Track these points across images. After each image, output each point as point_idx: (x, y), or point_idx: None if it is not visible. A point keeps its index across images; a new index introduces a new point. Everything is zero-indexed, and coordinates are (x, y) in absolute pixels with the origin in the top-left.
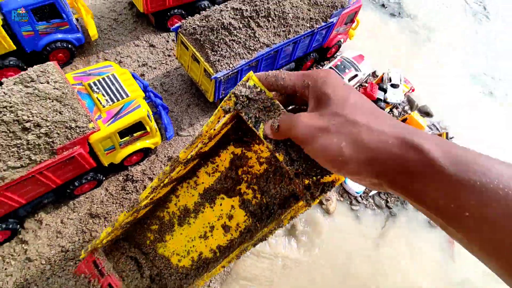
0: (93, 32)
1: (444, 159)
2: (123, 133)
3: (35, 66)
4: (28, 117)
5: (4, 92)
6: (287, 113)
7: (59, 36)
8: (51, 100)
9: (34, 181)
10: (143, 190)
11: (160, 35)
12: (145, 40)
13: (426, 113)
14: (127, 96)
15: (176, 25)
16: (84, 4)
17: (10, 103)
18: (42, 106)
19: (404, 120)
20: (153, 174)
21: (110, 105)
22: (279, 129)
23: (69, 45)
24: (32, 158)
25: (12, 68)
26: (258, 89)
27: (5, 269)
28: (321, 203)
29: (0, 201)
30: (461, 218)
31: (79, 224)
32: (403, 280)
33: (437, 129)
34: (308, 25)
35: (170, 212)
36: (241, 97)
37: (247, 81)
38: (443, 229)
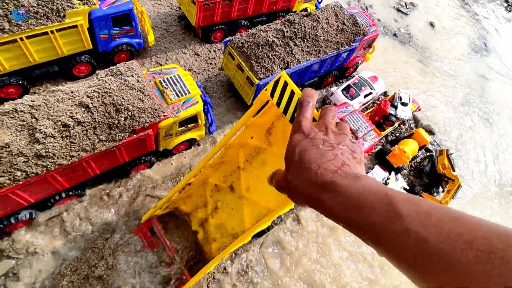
0: (151, 39)
1: (335, 206)
2: (181, 123)
3: (121, 63)
4: (121, 101)
5: (105, 80)
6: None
7: (125, 40)
8: (136, 90)
9: (112, 155)
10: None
11: (204, 46)
12: (191, 49)
13: (429, 131)
14: (189, 93)
15: (227, 38)
16: (147, 15)
17: (109, 89)
18: (130, 94)
19: (411, 135)
20: (196, 161)
21: (175, 99)
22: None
23: (131, 48)
24: (119, 135)
25: (84, 64)
26: (288, 86)
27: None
28: None
29: (84, 169)
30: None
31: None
32: None
33: (438, 145)
34: (334, 47)
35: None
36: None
37: (279, 78)
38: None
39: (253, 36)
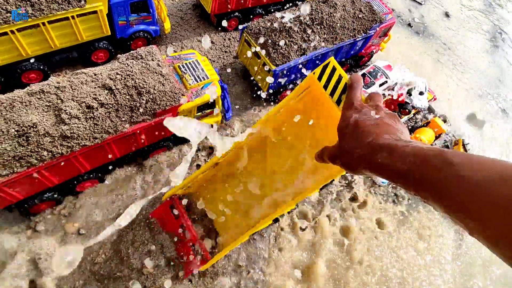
0: (167, 26)
1: (396, 162)
2: (199, 108)
3: (142, 48)
4: (143, 84)
5: (127, 64)
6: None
7: (142, 27)
8: (157, 74)
9: (133, 138)
10: (204, 161)
11: (219, 34)
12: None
13: (444, 121)
14: (208, 78)
15: (244, 25)
16: (163, 3)
17: (132, 72)
18: (151, 78)
19: (427, 124)
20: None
21: (194, 84)
22: (318, 155)
23: (148, 35)
24: (140, 118)
25: (102, 50)
26: (336, 70)
27: (113, 202)
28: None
29: (106, 151)
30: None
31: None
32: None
33: (453, 135)
34: (351, 34)
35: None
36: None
37: (328, 64)
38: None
39: (270, 22)
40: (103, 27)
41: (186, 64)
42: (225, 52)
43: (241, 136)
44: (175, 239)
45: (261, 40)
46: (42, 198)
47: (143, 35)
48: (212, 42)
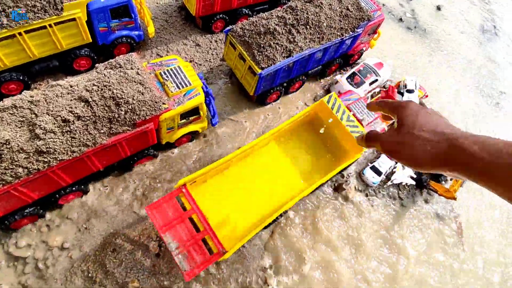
0: (151, 30)
1: (480, 151)
2: (182, 116)
3: (120, 56)
4: (121, 95)
5: (104, 74)
6: (371, 130)
7: (125, 32)
8: (136, 83)
9: (114, 149)
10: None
11: (205, 36)
12: (192, 40)
13: None
14: (190, 84)
15: (228, 28)
16: (146, 6)
17: (109, 82)
18: (130, 87)
19: None
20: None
21: (176, 91)
22: (365, 140)
23: (131, 41)
24: (119, 129)
25: (84, 58)
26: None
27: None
28: (342, 189)
29: (86, 164)
30: (495, 176)
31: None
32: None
33: None
34: (338, 33)
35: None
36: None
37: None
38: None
39: (254, 25)
40: (83, 34)
41: (167, 70)
42: (212, 54)
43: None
44: (172, 237)
45: (246, 42)
46: (23, 214)
47: (126, 41)
48: (198, 44)
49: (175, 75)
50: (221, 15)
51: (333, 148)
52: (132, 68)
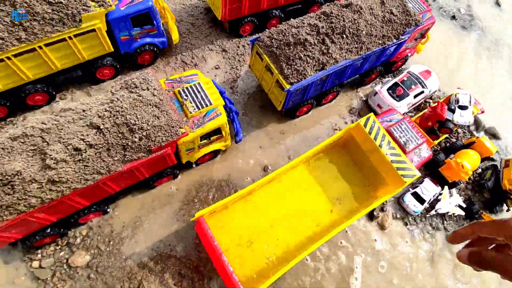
0: (175, 36)
1: None
2: (203, 136)
3: (136, 74)
4: (135, 121)
5: (117, 98)
6: (480, 254)
7: (148, 40)
8: (151, 106)
9: (130, 174)
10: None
11: (232, 41)
12: (218, 45)
13: (493, 135)
14: (211, 104)
15: (254, 37)
16: (170, 10)
17: (122, 108)
18: (145, 111)
19: (471, 144)
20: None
21: (196, 111)
22: (476, 265)
23: (155, 48)
24: (134, 156)
25: (107, 67)
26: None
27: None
28: (375, 217)
29: (102, 189)
30: None
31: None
32: None
33: (505, 153)
34: (380, 42)
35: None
36: None
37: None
38: None
39: (283, 34)
40: (104, 44)
41: (187, 88)
42: (239, 61)
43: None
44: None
45: (274, 53)
46: (44, 234)
47: (149, 48)
48: (224, 50)
49: (195, 94)
50: (249, 18)
51: (369, 176)
52: (148, 89)
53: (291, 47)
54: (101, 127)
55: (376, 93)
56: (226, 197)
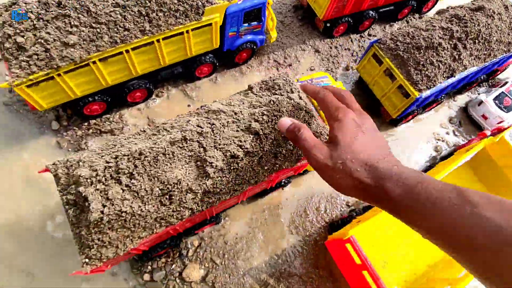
0: (274, 34)
1: (402, 197)
2: None
3: (275, 75)
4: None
5: (273, 100)
6: (311, 139)
7: (250, 37)
8: (301, 111)
9: (266, 183)
10: None
11: (324, 41)
12: (310, 45)
13: None
14: None
15: (375, 38)
16: (271, 8)
17: (279, 111)
18: (297, 116)
19: None
20: None
21: None
22: (287, 133)
23: (254, 46)
24: (283, 165)
25: (207, 64)
26: None
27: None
28: None
29: (232, 200)
30: (403, 214)
31: None
32: None
33: None
34: (505, 49)
35: None
36: None
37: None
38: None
39: (410, 36)
40: (214, 40)
41: None
42: (333, 63)
43: None
44: None
45: (400, 57)
46: (164, 246)
47: (249, 46)
48: (317, 51)
49: None
50: (346, 19)
51: (501, 193)
52: (292, 91)
53: (422, 51)
54: (260, 132)
55: (480, 102)
56: (337, 209)
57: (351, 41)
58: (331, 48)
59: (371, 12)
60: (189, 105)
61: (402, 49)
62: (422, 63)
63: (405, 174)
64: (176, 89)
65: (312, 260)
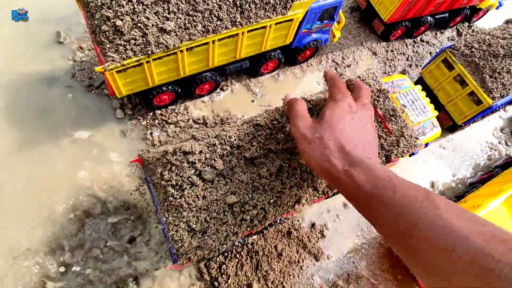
0: (338, 34)
1: (366, 183)
2: None
3: (364, 73)
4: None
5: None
6: (301, 113)
7: (316, 35)
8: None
9: None
10: None
11: (380, 44)
12: (367, 47)
13: None
14: (429, 114)
15: (449, 44)
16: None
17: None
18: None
19: None
20: None
21: (416, 121)
22: (286, 105)
23: (318, 44)
24: None
25: (273, 60)
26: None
27: None
28: None
29: None
30: (367, 212)
31: None
32: None
33: None
34: None
35: None
36: None
37: None
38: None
39: (486, 44)
40: (289, 36)
41: (403, 94)
42: (390, 66)
43: None
44: None
45: (474, 63)
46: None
47: (314, 45)
48: (374, 53)
49: (412, 101)
50: (406, 23)
51: None
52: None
53: (499, 59)
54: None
55: None
56: None
57: (406, 45)
58: (387, 51)
59: (429, 18)
60: (252, 101)
61: (478, 56)
62: (499, 71)
63: (374, 166)
64: (240, 84)
65: (377, 263)
